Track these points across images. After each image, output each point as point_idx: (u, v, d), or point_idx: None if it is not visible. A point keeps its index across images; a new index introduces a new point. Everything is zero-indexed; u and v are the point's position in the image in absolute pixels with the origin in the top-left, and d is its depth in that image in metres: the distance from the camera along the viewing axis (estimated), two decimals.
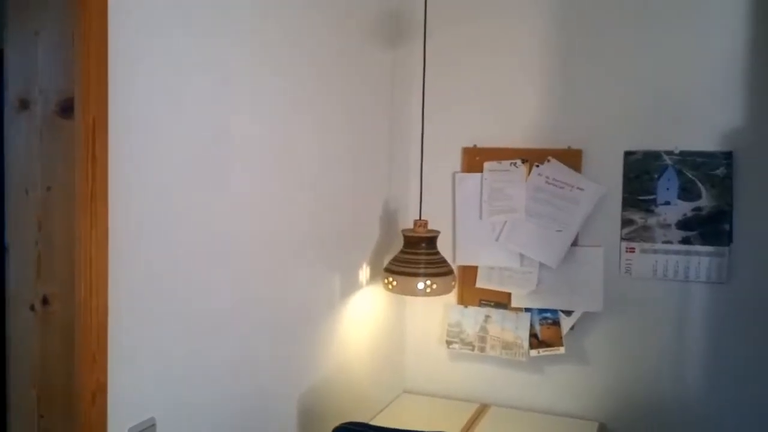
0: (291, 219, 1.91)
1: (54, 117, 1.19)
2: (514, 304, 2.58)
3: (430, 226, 2.33)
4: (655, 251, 2.42)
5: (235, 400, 1.70)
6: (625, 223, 2.45)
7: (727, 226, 2.34)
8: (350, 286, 2.29)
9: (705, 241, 2.36)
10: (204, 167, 1.54)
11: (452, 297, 2.64)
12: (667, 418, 2.43)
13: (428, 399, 2.68)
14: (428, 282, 2.24)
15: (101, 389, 1.29)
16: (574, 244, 2.50)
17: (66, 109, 1.18)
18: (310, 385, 2.06)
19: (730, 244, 2.34)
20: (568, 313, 2.52)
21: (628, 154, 2.44)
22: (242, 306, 1.71)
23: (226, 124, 1.61)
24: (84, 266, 1.22)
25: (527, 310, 2.56)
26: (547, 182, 2.52)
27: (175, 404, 1.49)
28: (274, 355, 1.86)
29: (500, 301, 2.60)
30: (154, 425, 1.41)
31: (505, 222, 2.57)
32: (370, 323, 2.45)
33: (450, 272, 2.30)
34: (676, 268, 2.40)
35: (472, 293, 2.64)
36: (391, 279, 2.27)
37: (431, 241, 2.31)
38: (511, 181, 2.57)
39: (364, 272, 2.38)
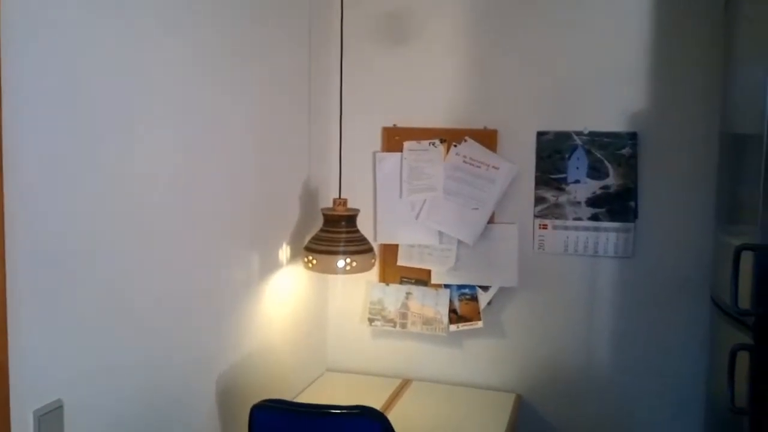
0: (206, 198, 1.89)
1: None
2: (434, 280, 2.64)
3: (350, 205, 2.36)
4: (566, 228, 2.52)
5: (150, 381, 1.68)
6: (538, 200, 2.54)
7: (632, 203, 2.45)
8: (270, 265, 2.29)
9: (612, 217, 2.47)
10: (110, 142, 1.50)
11: (374, 275, 2.68)
12: (579, 388, 2.55)
13: (351, 376, 2.72)
14: (348, 260, 2.27)
15: (1, 369, 1.26)
16: (491, 221, 2.57)
17: None
18: (230, 364, 2.06)
19: (636, 220, 2.46)
20: (486, 288, 2.59)
21: (540, 134, 2.52)
22: (155, 285, 1.69)
23: (135, 101, 1.58)
24: None
25: (446, 286, 2.63)
26: (464, 161, 2.58)
27: (86, 386, 1.46)
28: (190, 334, 1.85)
29: (421, 278, 2.65)
30: (61, 407, 1.38)
31: (425, 200, 2.62)
32: (291, 302, 2.46)
33: (370, 250, 2.33)
34: (585, 244, 2.50)
35: (393, 271, 2.68)
36: (311, 257, 2.29)
37: (351, 219, 2.33)
38: (430, 161, 2.62)
39: (285, 251, 2.38)
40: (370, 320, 2.69)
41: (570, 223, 2.51)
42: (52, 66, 1.33)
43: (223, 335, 2.02)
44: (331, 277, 2.74)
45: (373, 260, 2.36)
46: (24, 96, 1.27)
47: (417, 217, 2.63)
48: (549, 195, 2.52)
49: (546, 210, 2.53)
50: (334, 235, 2.29)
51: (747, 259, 1.75)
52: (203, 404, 1.94)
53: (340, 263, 2.26)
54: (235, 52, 2.01)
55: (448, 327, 2.61)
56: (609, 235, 2.47)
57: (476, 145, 2.57)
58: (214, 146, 1.93)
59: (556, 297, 2.55)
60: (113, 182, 1.52)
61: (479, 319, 2.59)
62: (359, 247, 2.31)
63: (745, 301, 1.77)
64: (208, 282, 1.93)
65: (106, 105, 1.48)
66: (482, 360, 2.64)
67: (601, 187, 2.47)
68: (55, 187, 1.36)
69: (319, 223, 2.35)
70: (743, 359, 1.76)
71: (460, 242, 2.59)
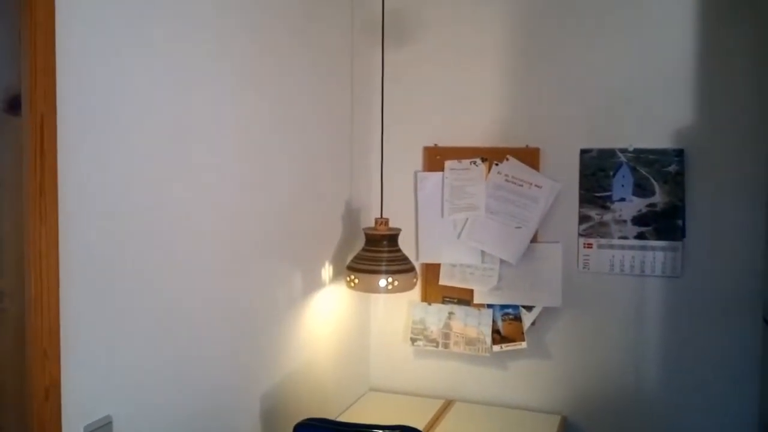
0: (251, 217, 1.92)
1: (1, 114, 1.20)
2: (476, 300, 2.62)
3: (392, 225, 2.36)
4: (612, 246, 2.47)
5: (195, 398, 1.71)
6: (583, 219, 2.50)
7: (680, 222, 2.40)
8: (313, 284, 2.31)
9: (659, 236, 2.42)
10: (161, 163, 1.55)
11: (416, 295, 2.68)
12: (626, 409, 2.48)
13: (394, 396, 2.70)
14: (390, 279, 2.27)
15: (54, 385, 1.29)
16: (534, 240, 2.55)
17: (14, 105, 1.19)
18: (274, 383, 2.07)
19: (684, 238, 2.40)
20: (529, 308, 2.56)
21: (584, 152, 2.50)
22: (201, 303, 1.72)
23: (185, 120, 1.62)
24: (34, 262, 1.23)
25: (489, 306, 2.60)
26: (506, 180, 2.57)
27: (133, 402, 1.49)
28: (235, 353, 1.87)
29: (463, 298, 2.64)
30: (110, 423, 1.41)
31: (467, 220, 2.61)
32: (333, 321, 2.47)
33: (411, 269, 2.33)
34: (632, 263, 2.46)
35: (435, 290, 2.67)
36: (353, 277, 2.29)
37: (392, 238, 2.34)
38: (471, 180, 2.61)
39: (327, 270, 2.40)
40: (413, 340, 2.68)
41: (615, 241, 2.47)
42: (110, 90, 1.38)
43: (267, 353, 2.04)
44: (373, 296, 2.75)
45: (415, 280, 2.36)
46: (82, 103, 1.32)
47: (459, 236, 2.62)
48: (593, 213, 2.49)
49: (591, 228, 2.49)
50: (376, 254, 2.30)
51: None
52: (247, 422, 1.95)
53: (382, 282, 2.27)
54: (282, 75, 2.05)
55: (492, 347, 2.58)
56: (656, 254, 2.42)
57: (518, 163, 2.56)
58: (261, 167, 1.96)
59: (601, 317, 2.50)
60: (165, 201, 1.56)
61: (523, 340, 2.56)
62: (401, 266, 2.31)
63: None
64: (253, 300, 1.95)
65: (163, 121, 1.53)
66: (526, 381, 2.60)
67: (648, 205, 2.43)
68: (112, 212, 1.40)
69: (361, 242, 2.36)
70: None
71: (502, 261, 2.57)
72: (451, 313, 2.65)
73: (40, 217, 1.22)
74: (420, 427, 2.17)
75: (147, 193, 1.51)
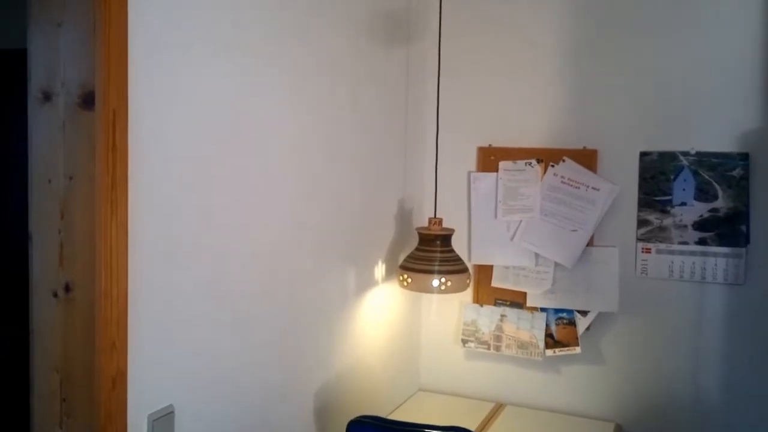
0: (308, 215, 1.94)
1: (76, 109, 1.24)
2: (529, 303, 2.58)
3: (445, 225, 2.35)
4: (671, 252, 2.41)
5: (253, 392, 1.73)
6: (641, 223, 2.45)
7: (743, 227, 2.33)
8: (366, 282, 2.31)
9: (722, 242, 2.35)
10: (224, 159, 1.57)
11: (468, 296, 2.66)
12: (683, 420, 2.42)
13: (444, 397, 2.69)
14: (443, 279, 2.26)
15: (121, 376, 1.32)
16: (590, 244, 2.50)
17: (87, 101, 1.22)
18: (326, 380, 2.08)
19: (747, 245, 2.33)
20: (584, 313, 2.52)
21: (643, 154, 2.44)
22: (261, 299, 1.74)
23: (246, 119, 1.64)
24: (104, 254, 1.26)
25: (543, 309, 2.57)
26: (562, 182, 2.53)
27: (194, 392, 1.52)
28: (291, 348, 1.89)
29: (516, 301, 2.61)
30: (172, 412, 1.44)
31: (521, 221, 2.58)
32: (385, 320, 2.47)
33: (465, 270, 2.32)
34: (692, 269, 2.39)
35: (487, 292, 2.65)
36: (406, 276, 2.29)
37: (446, 238, 2.32)
38: (526, 181, 2.58)
39: (380, 269, 2.40)
40: (464, 341, 2.66)
41: (675, 247, 2.40)
42: (178, 87, 1.41)
43: (321, 350, 2.06)
44: (425, 296, 2.74)
45: (468, 280, 2.34)
46: (152, 115, 1.34)
47: (512, 238, 2.59)
48: (653, 218, 2.43)
49: (649, 233, 2.44)
50: (429, 254, 2.29)
51: None
52: (301, 417, 1.97)
53: (435, 282, 2.26)
54: (340, 75, 2.06)
55: (544, 351, 2.55)
56: (718, 260, 2.35)
57: (575, 165, 2.52)
58: (319, 169, 1.98)
59: (659, 324, 2.44)
60: (226, 197, 1.58)
61: (577, 345, 2.52)
62: (454, 266, 2.29)
63: None
64: (309, 297, 1.97)
65: (228, 120, 1.55)
66: (579, 387, 2.56)
67: (710, 210, 2.36)
68: (179, 206, 1.43)
69: (414, 242, 2.35)
70: None
71: (557, 265, 2.53)
72: (503, 316, 2.62)
73: (111, 210, 1.25)
74: (472, 429, 2.15)
75: (209, 190, 1.53)
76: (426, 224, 2.37)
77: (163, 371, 1.43)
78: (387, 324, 2.49)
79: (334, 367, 2.13)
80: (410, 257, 2.33)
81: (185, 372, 1.49)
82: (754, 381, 2.33)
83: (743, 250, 2.33)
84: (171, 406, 1.44)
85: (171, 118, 1.40)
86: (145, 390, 1.38)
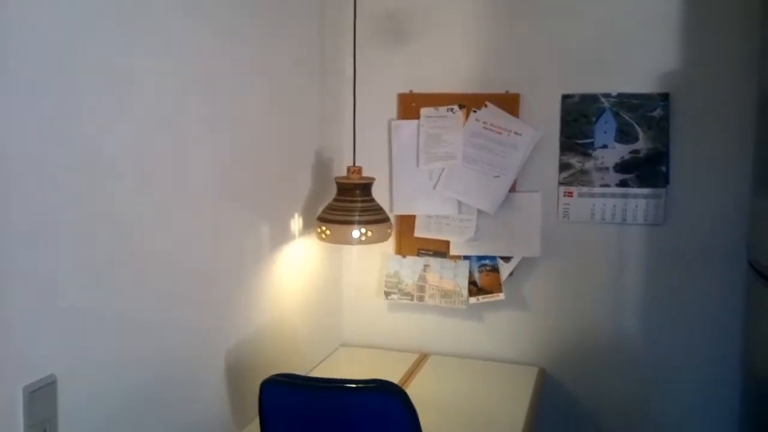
0: (215, 166, 1.80)
1: None
2: (452, 252, 2.53)
3: (365, 175, 2.25)
4: (593, 195, 2.39)
5: (153, 356, 1.60)
6: (563, 167, 2.41)
7: (663, 168, 2.32)
8: (282, 236, 2.19)
9: (642, 183, 2.34)
10: (120, 100, 1.41)
11: (390, 247, 2.59)
12: (605, 361, 2.44)
13: (367, 351, 2.63)
14: (363, 230, 2.17)
15: None
16: (512, 190, 2.45)
17: None
18: (241, 338, 1.97)
19: (667, 185, 2.33)
20: (507, 259, 2.48)
21: (565, 97, 2.39)
22: (160, 255, 1.60)
23: (138, 64, 1.48)
24: None
25: (466, 257, 2.52)
26: (484, 127, 2.46)
27: (82, 360, 1.36)
28: (196, 307, 1.76)
29: (439, 250, 2.55)
30: (54, 383, 1.27)
31: (443, 169, 2.50)
32: (304, 275, 2.37)
33: (386, 219, 2.23)
34: (613, 212, 2.38)
35: (410, 243, 2.58)
36: (324, 228, 2.19)
37: (366, 187, 2.23)
38: (448, 127, 2.50)
39: (297, 222, 2.29)
40: (387, 293, 2.60)
41: (597, 190, 2.38)
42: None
43: (231, 308, 1.94)
44: (345, 249, 2.65)
45: (389, 230, 2.26)
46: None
47: (435, 186, 2.52)
48: (575, 161, 2.40)
49: (571, 177, 2.40)
50: (349, 204, 2.19)
51: None
52: (210, 378, 1.85)
53: (355, 233, 2.16)
54: (249, 18, 1.90)
55: (468, 300, 2.51)
56: (638, 201, 2.35)
57: (497, 110, 2.45)
58: (226, 115, 1.83)
59: (581, 267, 2.43)
60: (125, 145, 1.42)
61: (500, 291, 2.49)
62: (375, 216, 2.20)
63: None
64: (215, 253, 1.84)
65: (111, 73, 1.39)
66: (504, 333, 2.54)
67: (631, 152, 2.34)
68: (54, 144, 1.26)
69: (333, 193, 2.25)
70: None
71: (480, 212, 2.48)
72: (426, 266, 2.56)
73: None
74: (395, 381, 2.09)
75: (104, 123, 1.37)
76: (345, 173, 2.26)
77: (43, 336, 1.26)
78: (306, 279, 2.39)
79: (248, 325, 2.02)
80: (329, 208, 2.22)
81: (71, 338, 1.32)
82: (674, 320, 2.36)
83: (663, 190, 2.33)
84: (53, 375, 1.27)
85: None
86: (19, 357, 1.21)
